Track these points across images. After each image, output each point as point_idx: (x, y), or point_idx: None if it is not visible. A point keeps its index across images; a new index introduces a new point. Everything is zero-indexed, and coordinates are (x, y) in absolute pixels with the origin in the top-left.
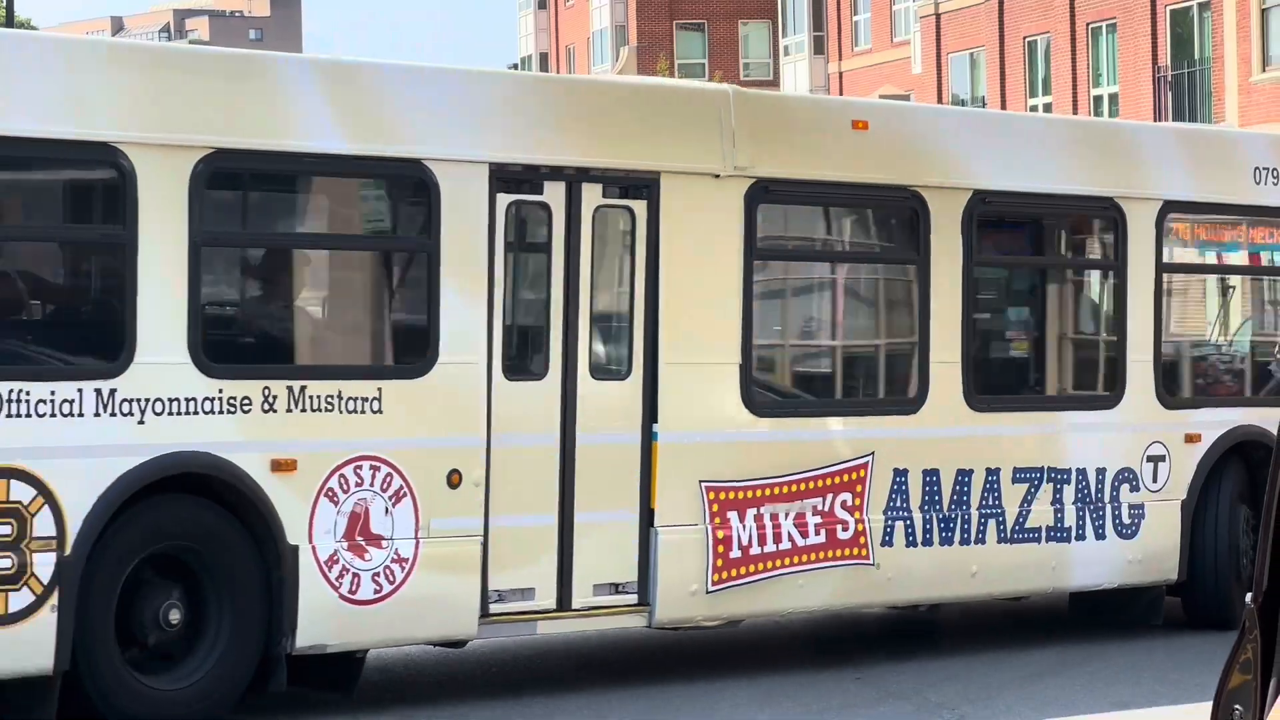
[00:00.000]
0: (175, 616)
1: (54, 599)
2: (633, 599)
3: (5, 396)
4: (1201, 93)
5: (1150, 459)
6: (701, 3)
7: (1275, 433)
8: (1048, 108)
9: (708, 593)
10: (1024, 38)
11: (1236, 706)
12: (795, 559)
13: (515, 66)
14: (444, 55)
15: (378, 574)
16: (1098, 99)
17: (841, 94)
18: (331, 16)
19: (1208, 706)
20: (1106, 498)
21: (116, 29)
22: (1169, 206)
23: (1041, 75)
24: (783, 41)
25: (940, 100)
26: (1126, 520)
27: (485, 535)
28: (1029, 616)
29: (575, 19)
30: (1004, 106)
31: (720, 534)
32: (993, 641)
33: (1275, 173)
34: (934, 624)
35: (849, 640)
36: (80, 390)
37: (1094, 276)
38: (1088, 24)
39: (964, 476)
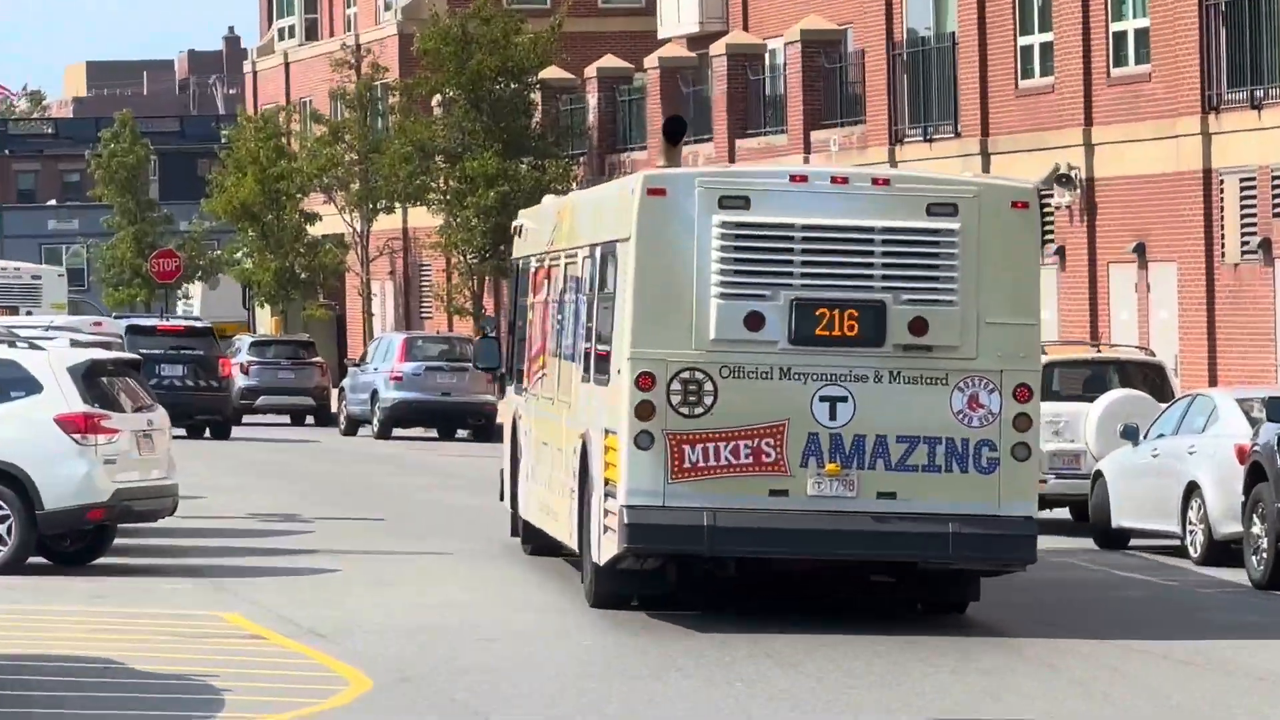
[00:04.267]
0: None
1: None
2: None
3: None
4: (1270, 23)
5: None
6: None
7: None
8: (1046, 47)
9: None
10: None
11: None
12: None
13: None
14: None
15: None
16: (1119, 35)
17: (746, 28)
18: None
19: None
20: None
21: None
22: None
23: (1038, 4)
24: None
25: (890, 39)
26: None
27: None
28: None
29: None
30: (984, 45)
31: None
32: None
33: None
34: None
35: None
36: None
37: None
38: None
39: None
